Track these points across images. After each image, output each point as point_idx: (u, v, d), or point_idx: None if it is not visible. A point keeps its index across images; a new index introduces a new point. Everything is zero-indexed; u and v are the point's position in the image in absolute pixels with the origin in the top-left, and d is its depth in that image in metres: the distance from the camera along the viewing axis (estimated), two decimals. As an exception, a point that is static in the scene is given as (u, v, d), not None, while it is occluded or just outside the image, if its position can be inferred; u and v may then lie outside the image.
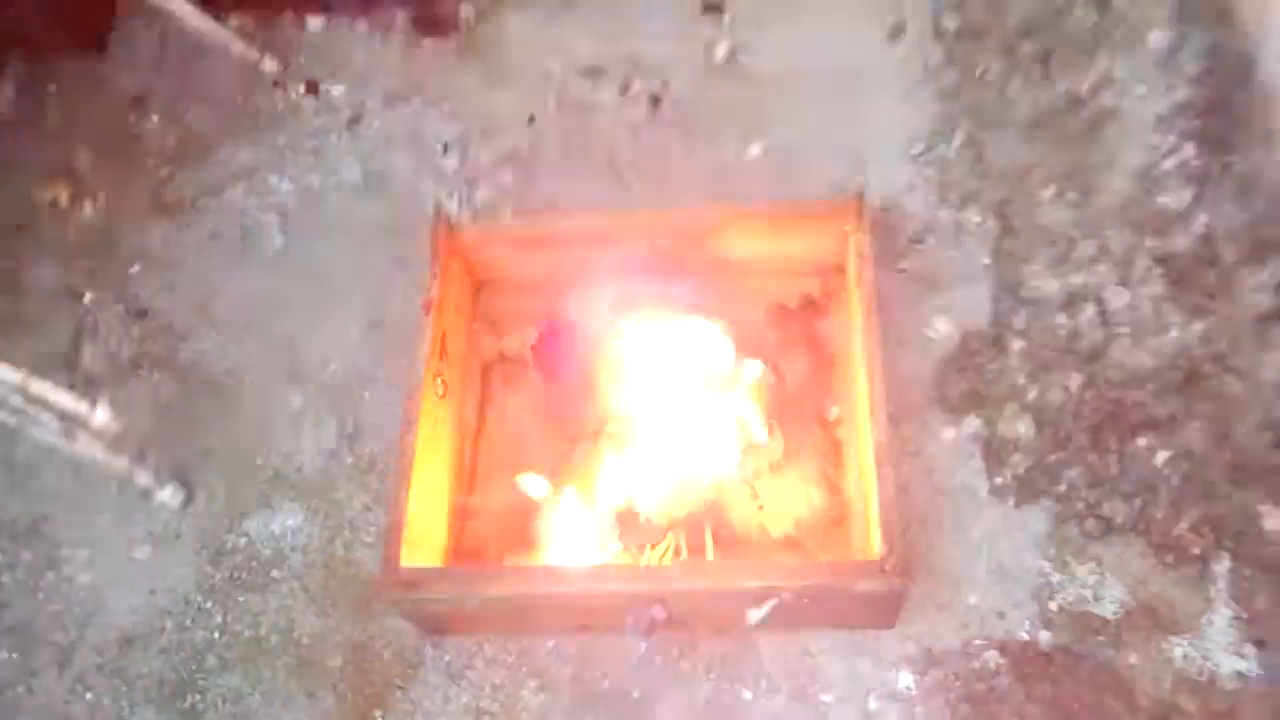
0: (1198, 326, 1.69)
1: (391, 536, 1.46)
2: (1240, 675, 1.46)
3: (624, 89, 2.09)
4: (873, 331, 1.51)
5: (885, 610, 1.46)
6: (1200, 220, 1.77)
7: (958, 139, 1.94)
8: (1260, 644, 1.47)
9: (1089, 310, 1.73)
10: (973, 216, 1.86)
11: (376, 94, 2.17)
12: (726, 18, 2.15)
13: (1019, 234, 1.82)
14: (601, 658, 1.58)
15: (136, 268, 2.03)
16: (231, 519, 1.76)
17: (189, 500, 1.77)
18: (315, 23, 2.27)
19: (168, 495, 1.75)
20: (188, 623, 1.69)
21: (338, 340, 1.90)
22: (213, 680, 1.64)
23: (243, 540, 1.74)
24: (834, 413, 1.69)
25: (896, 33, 2.07)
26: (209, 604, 1.70)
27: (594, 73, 2.13)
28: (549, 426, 1.69)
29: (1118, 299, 1.72)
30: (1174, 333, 1.69)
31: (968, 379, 1.72)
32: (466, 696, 1.59)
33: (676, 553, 1.55)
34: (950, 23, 2.06)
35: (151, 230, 2.07)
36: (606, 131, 2.05)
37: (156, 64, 2.27)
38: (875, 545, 1.39)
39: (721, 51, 2.10)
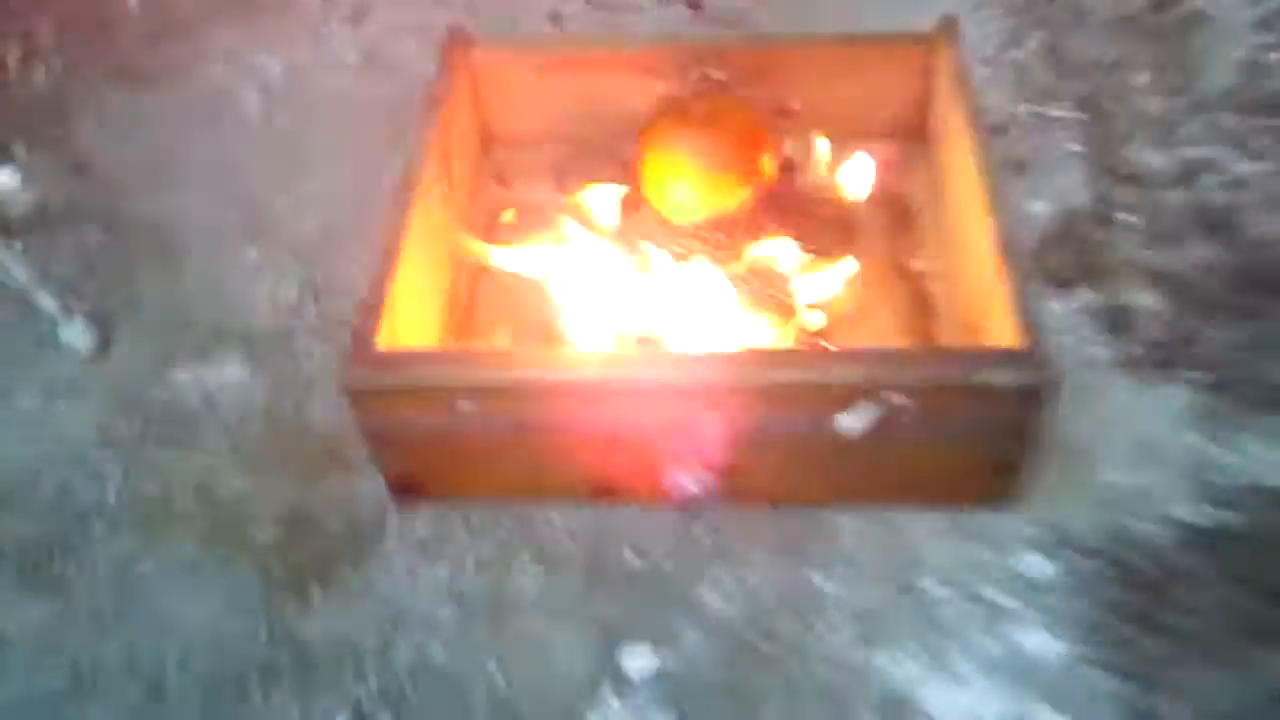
0: (1341, 199, 1.43)
1: (369, 310, 1.10)
2: None
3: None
4: (978, 122, 1.24)
5: (1019, 454, 1.10)
6: (1323, 105, 1.55)
7: (1031, 43, 1.74)
8: None
9: (1210, 180, 1.47)
10: (1055, 111, 1.64)
11: (385, -6, 1.96)
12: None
13: (1111, 121, 1.59)
14: (627, 532, 1.19)
15: (86, 127, 1.73)
16: (155, 370, 1.38)
17: (103, 347, 1.39)
18: (326, -65, 2.08)
19: (76, 334, 1.38)
20: (75, 480, 1.27)
21: (313, 202, 1.58)
22: (96, 546, 1.21)
23: (165, 393, 1.36)
24: (919, 265, 1.38)
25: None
26: (107, 459, 1.29)
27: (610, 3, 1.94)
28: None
29: (1242, 168, 1.48)
30: (1314, 206, 1.43)
31: (1072, 251, 1.43)
32: (440, 574, 1.18)
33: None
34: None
35: (110, 97, 1.79)
36: (641, 31, 1.83)
37: (143, -38, 2.06)
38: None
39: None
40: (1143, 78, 1.64)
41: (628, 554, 1.18)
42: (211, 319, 1.44)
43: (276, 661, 1.13)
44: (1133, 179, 1.51)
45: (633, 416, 1.08)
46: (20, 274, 1.34)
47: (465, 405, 1.08)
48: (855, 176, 1.35)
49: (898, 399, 1.03)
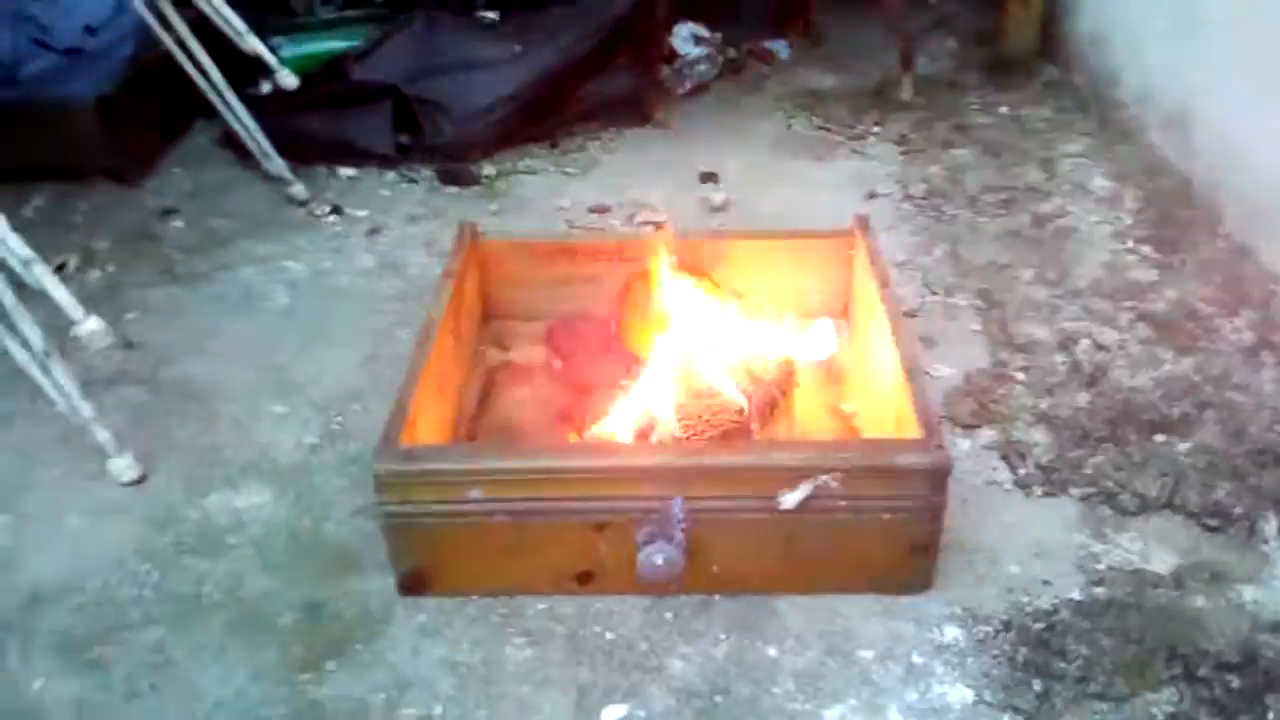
0: (1189, 360, 1.75)
1: (395, 419, 1.34)
2: (1322, 622, 1.32)
3: (629, 219, 2.29)
4: (886, 274, 1.57)
5: (928, 532, 1.33)
6: (1170, 292, 1.91)
7: (937, 252, 2.12)
8: (1334, 591, 1.35)
9: (1084, 344, 1.79)
10: (959, 300, 1.98)
11: (398, 216, 2.33)
12: (721, 185, 2.42)
13: (1005, 306, 1.93)
14: (603, 615, 1.38)
15: (133, 314, 2.01)
16: (189, 495, 1.58)
17: (143, 478, 1.60)
18: (347, 171, 2.49)
19: (124, 465, 1.58)
20: (114, 581, 1.44)
21: (332, 369, 1.85)
22: (131, 634, 1.37)
23: (197, 513, 1.56)
24: (848, 408, 1.65)
25: (871, 196, 2.35)
26: (144, 565, 1.47)
27: (602, 209, 2.33)
28: (562, 393, 1.62)
29: (1109, 338, 1.80)
30: (1168, 366, 1.75)
31: (976, 402, 1.71)
32: (440, 650, 1.34)
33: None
34: (916, 190, 2.35)
35: (156, 291, 2.09)
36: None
37: (189, 192, 2.44)
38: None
39: (719, 200, 2.34)
40: (1028, 274, 2.00)
41: (605, 631, 1.35)
42: (241, 458, 1.66)
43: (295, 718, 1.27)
44: (1024, 347, 1.82)
45: (615, 494, 1.30)
46: (85, 408, 1.56)
47: (475, 493, 1.30)
48: (816, 341, 1.65)
49: (828, 477, 1.27)
